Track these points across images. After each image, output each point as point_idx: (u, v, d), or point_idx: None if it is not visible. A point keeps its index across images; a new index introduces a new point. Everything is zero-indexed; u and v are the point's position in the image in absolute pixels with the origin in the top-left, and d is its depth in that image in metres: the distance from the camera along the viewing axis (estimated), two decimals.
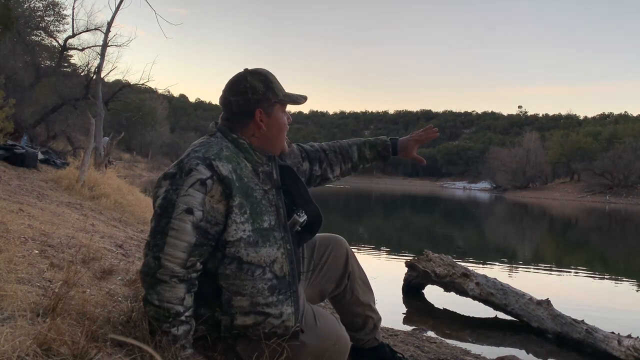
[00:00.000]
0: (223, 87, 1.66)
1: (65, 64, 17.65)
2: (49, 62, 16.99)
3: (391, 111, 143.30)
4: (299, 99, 1.68)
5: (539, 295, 3.97)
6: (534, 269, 7.47)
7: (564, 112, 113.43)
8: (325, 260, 1.92)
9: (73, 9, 17.31)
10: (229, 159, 1.52)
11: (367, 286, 2.02)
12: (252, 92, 1.59)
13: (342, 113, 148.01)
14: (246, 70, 1.64)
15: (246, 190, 1.51)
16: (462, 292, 4.29)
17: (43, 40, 16.77)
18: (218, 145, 1.55)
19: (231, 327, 1.51)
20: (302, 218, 1.66)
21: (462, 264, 4.73)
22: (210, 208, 1.46)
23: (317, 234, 1.77)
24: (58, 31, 16.17)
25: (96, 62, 13.83)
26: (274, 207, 1.56)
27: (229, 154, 1.53)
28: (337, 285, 1.94)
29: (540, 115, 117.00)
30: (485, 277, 4.25)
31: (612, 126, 63.02)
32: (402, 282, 4.89)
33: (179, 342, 1.44)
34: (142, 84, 15.39)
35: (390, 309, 4.15)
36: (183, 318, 1.44)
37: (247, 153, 1.58)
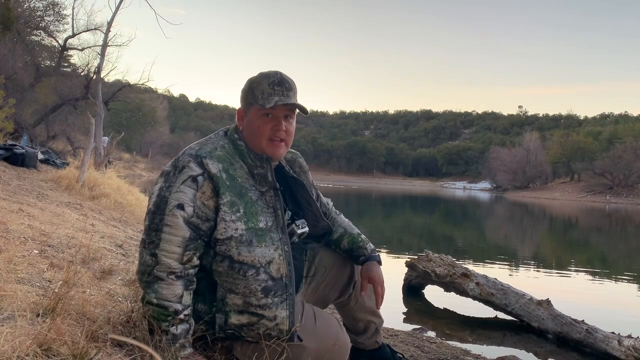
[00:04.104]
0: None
1: (65, 64, 17.69)
2: (49, 62, 17.03)
3: (391, 111, 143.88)
4: (274, 104, 1.56)
5: (539, 295, 3.97)
6: (534, 269, 7.46)
7: (564, 112, 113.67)
8: (331, 268, 1.89)
9: (73, 8, 17.38)
10: (220, 158, 1.54)
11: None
12: (242, 92, 1.67)
13: (342, 113, 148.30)
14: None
15: (239, 189, 1.53)
16: (462, 292, 4.29)
17: (43, 40, 16.83)
18: (213, 144, 1.59)
19: (225, 325, 1.52)
20: (302, 229, 1.69)
21: (462, 264, 4.73)
22: (201, 204, 1.49)
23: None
24: (58, 31, 16.22)
25: (96, 62, 13.86)
26: (271, 209, 1.57)
27: (222, 154, 1.56)
28: (341, 293, 1.92)
29: (540, 115, 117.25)
30: (485, 277, 4.25)
31: (612, 126, 63.07)
32: (402, 282, 4.88)
33: (178, 341, 1.44)
34: (142, 84, 15.42)
35: (390, 309, 4.15)
36: (182, 317, 1.45)
37: (242, 155, 1.60)
